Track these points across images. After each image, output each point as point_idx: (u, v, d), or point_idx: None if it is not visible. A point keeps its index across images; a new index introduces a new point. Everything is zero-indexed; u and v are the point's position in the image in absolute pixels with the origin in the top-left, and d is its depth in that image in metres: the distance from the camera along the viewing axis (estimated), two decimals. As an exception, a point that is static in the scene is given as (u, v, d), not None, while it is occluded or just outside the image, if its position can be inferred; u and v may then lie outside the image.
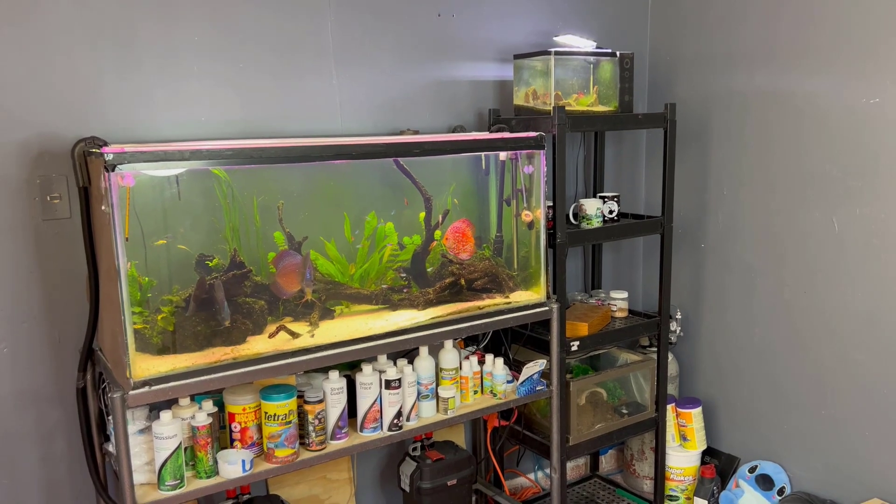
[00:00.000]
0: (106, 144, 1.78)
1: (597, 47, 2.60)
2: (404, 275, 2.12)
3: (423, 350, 2.18)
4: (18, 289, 1.95)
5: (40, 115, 1.92)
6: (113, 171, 1.60)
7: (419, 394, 2.16)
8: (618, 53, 2.50)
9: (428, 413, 2.19)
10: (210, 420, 1.83)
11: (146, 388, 1.68)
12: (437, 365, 2.21)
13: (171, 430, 1.75)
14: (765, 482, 2.74)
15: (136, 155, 1.63)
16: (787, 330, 2.68)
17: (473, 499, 2.57)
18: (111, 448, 1.91)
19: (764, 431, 2.81)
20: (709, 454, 2.97)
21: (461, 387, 2.26)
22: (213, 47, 2.14)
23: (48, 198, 1.95)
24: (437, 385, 2.21)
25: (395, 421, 2.09)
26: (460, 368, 2.25)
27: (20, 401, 1.98)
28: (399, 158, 2.08)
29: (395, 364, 2.13)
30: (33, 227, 1.95)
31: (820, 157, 2.51)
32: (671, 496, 2.85)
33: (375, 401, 2.06)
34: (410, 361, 2.18)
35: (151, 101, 2.06)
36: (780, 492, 2.70)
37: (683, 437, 2.83)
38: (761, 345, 2.78)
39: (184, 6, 2.08)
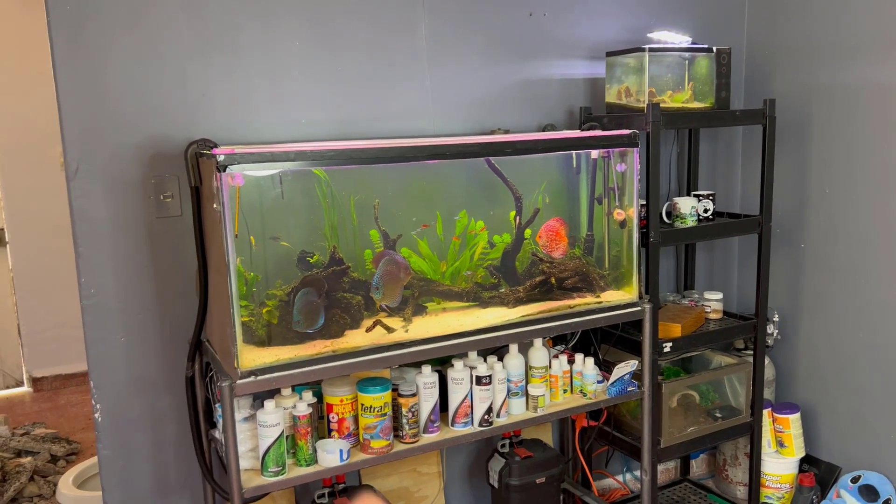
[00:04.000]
0: (216, 146, 1.87)
1: (692, 42, 2.54)
2: (495, 273, 2.14)
3: (513, 348, 2.20)
4: (134, 282, 2.08)
5: (153, 119, 2.04)
6: (224, 171, 1.68)
7: (509, 391, 2.18)
8: (714, 49, 2.44)
9: (518, 410, 2.20)
10: (310, 410, 1.91)
11: (252, 378, 1.77)
12: (526, 363, 2.22)
13: (274, 418, 1.83)
14: (869, 493, 2.62)
15: (245, 156, 1.71)
16: (896, 334, 2.55)
17: (561, 498, 2.56)
18: (217, 434, 2.01)
19: (868, 440, 2.68)
20: (807, 462, 2.86)
21: (551, 385, 2.26)
22: (313, 51, 2.21)
23: (161, 197, 2.07)
24: (527, 383, 2.22)
25: (486, 417, 2.11)
26: (550, 367, 2.25)
27: (135, 387, 2.11)
28: (491, 158, 2.10)
29: (485, 361, 2.16)
30: (147, 224, 2.07)
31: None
32: (766, 504, 2.76)
33: (466, 396, 2.09)
34: (500, 359, 2.20)
35: (254, 104, 2.16)
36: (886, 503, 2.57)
37: (780, 444, 2.74)
38: (867, 349, 2.65)
39: (284, 13, 2.16)
